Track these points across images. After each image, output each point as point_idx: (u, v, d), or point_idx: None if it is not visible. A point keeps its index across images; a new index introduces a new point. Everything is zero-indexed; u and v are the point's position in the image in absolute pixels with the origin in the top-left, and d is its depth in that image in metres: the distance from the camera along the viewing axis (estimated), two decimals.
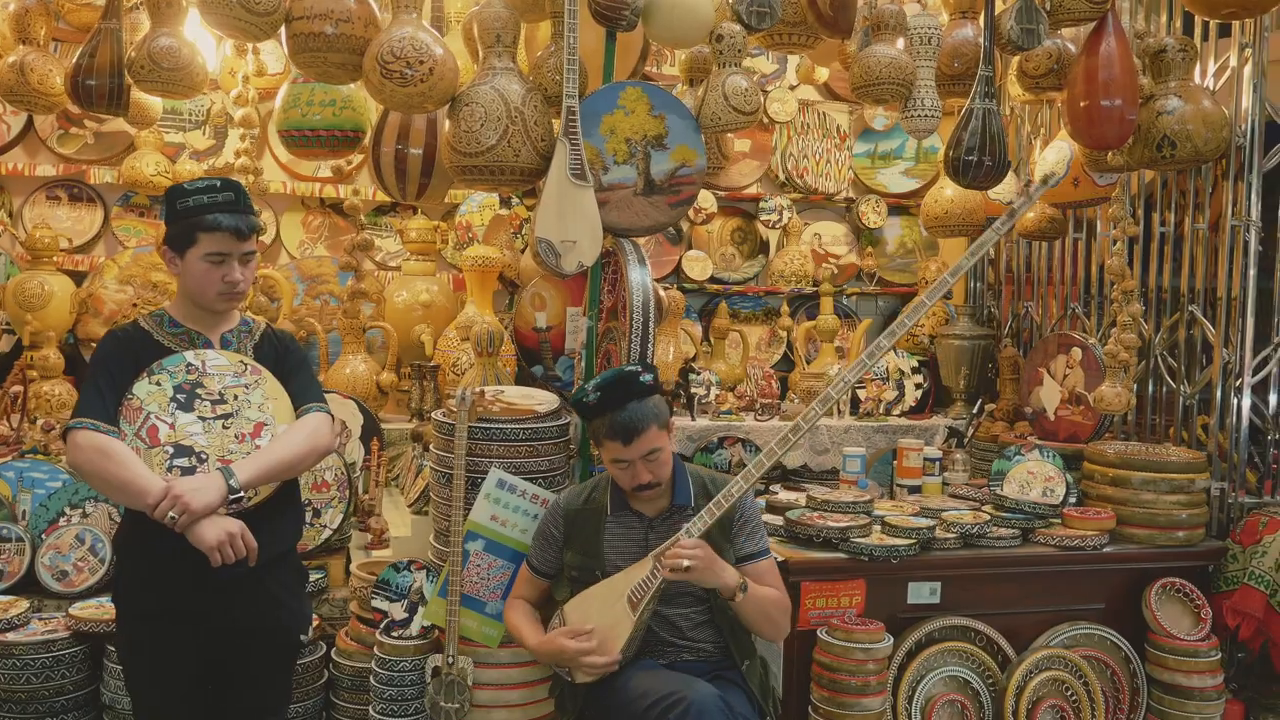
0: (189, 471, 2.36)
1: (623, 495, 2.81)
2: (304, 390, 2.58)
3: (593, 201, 3.15)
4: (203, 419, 2.42)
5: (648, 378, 2.71)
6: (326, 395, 2.70)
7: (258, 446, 2.43)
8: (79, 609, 3.13)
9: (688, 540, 2.60)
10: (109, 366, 2.41)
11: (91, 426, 2.33)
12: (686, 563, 2.55)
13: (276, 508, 2.48)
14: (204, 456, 2.40)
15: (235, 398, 2.47)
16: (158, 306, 4.44)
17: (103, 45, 3.41)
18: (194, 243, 2.42)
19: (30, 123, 4.76)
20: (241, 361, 2.51)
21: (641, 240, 3.48)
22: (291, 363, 2.60)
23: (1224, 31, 3.88)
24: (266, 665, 2.57)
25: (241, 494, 2.34)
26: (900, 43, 3.59)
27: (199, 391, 2.44)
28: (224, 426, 2.44)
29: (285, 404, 2.52)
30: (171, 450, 2.38)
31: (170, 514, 2.26)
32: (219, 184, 2.47)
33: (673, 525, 2.77)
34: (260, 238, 2.46)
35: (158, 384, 2.41)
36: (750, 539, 2.78)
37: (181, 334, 2.50)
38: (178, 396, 2.42)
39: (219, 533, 2.30)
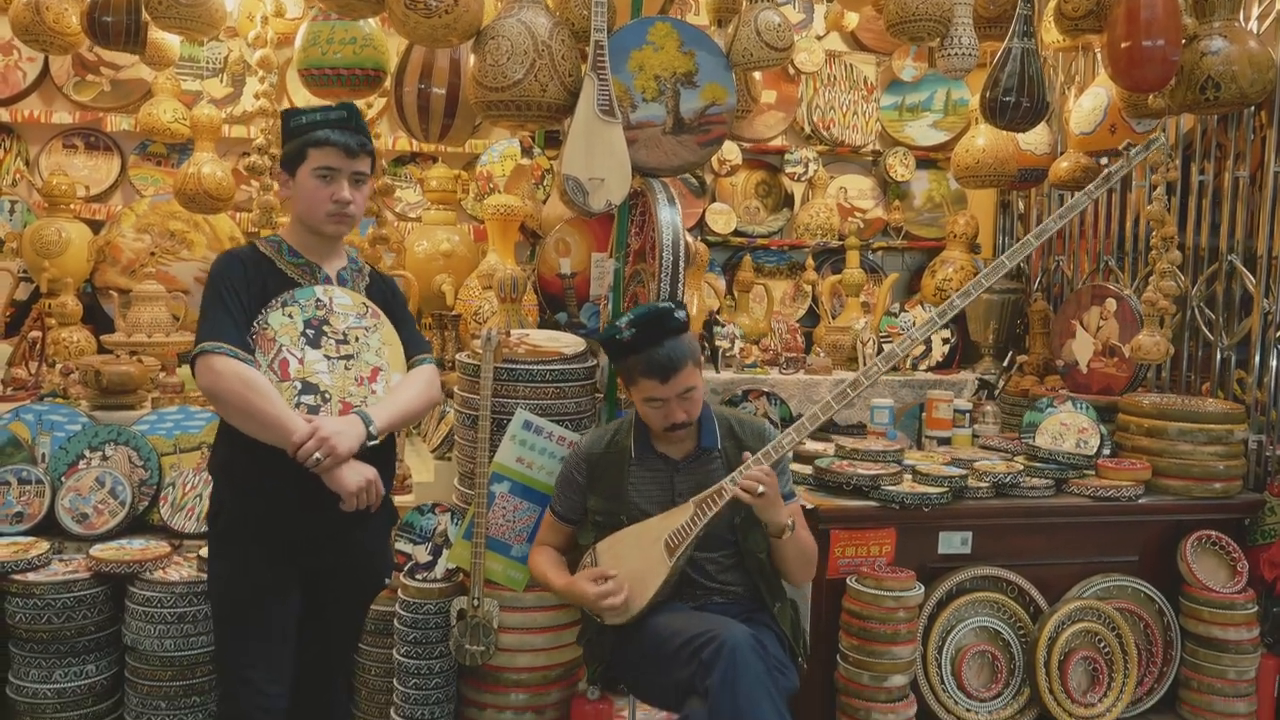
0: (314, 410, 2.31)
1: (648, 438, 2.75)
2: (414, 339, 2.56)
3: (621, 138, 3.08)
4: (328, 358, 2.37)
5: (682, 314, 2.65)
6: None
7: (373, 391, 2.39)
8: (100, 550, 3.10)
9: (762, 467, 2.54)
10: (237, 288, 2.32)
11: (230, 353, 2.24)
12: (761, 488, 2.50)
13: (383, 453, 2.44)
14: (328, 396, 2.34)
15: (357, 339, 2.42)
16: (176, 255, 4.42)
17: None
18: (304, 159, 2.37)
19: (46, 69, 4.70)
20: (364, 303, 2.46)
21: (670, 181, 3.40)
22: (398, 308, 2.57)
23: None
24: (353, 605, 2.59)
25: (376, 440, 2.31)
26: None
27: (325, 329, 2.38)
28: (346, 368, 2.39)
29: (398, 351, 2.48)
30: (300, 386, 2.32)
31: (316, 455, 2.21)
32: (333, 106, 2.44)
33: (699, 468, 2.71)
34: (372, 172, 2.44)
35: (289, 316, 2.34)
36: (782, 480, 2.73)
37: (303, 265, 2.43)
38: (307, 332, 2.36)
39: (359, 478, 2.28)
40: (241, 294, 2.31)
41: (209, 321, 2.29)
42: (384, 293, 2.56)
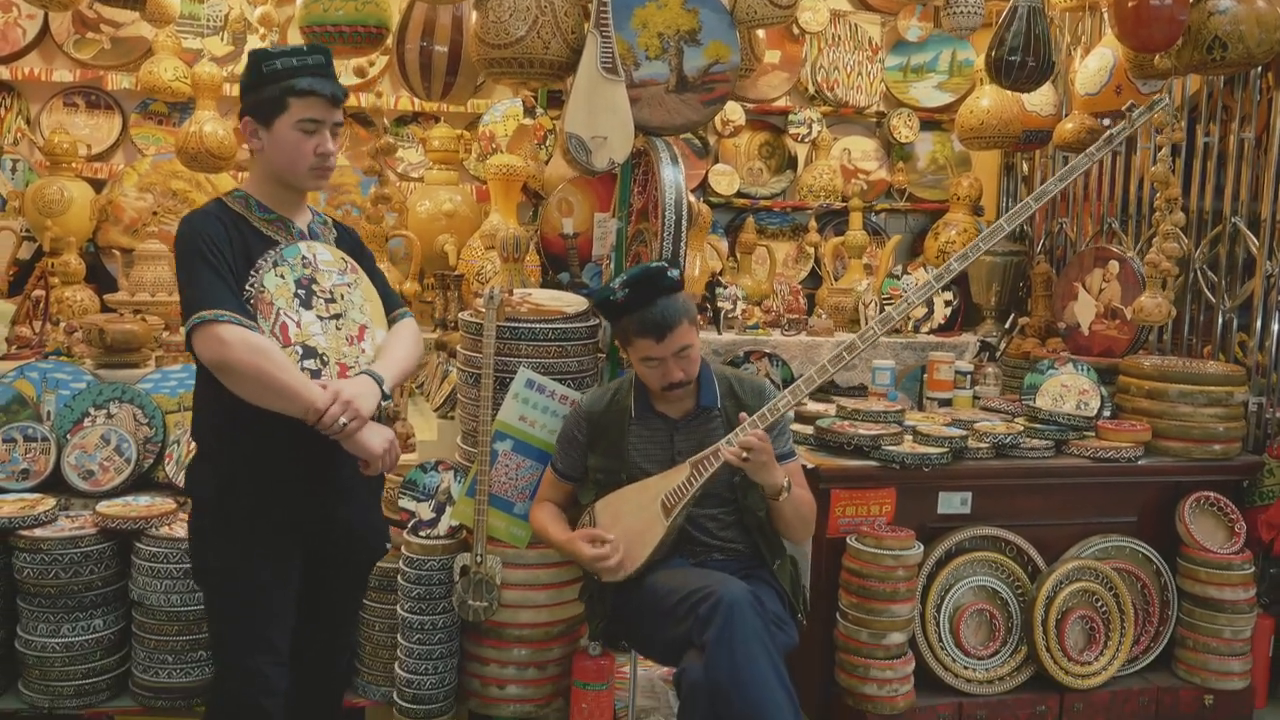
0: (316, 375, 2.21)
1: (647, 398, 2.76)
2: (389, 292, 2.48)
3: (624, 96, 3.06)
4: (320, 319, 2.26)
5: (675, 273, 2.65)
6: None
7: (363, 350, 2.32)
8: (106, 507, 3.12)
9: (757, 430, 2.55)
10: (220, 248, 2.16)
11: (234, 320, 2.09)
12: (748, 454, 2.50)
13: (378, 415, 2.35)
14: (326, 359, 2.25)
15: (342, 297, 2.32)
16: (178, 214, 4.41)
17: None
18: (284, 109, 2.19)
19: (46, 27, 4.66)
20: (343, 258, 2.35)
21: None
22: (367, 260, 2.47)
23: None
24: (354, 579, 2.55)
25: (390, 399, 2.26)
26: None
27: (314, 288, 2.27)
28: (337, 328, 2.29)
29: (379, 306, 2.40)
30: (300, 351, 2.22)
31: (341, 420, 2.13)
32: (306, 48, 2.26)
33: (699, 427, 2.73)
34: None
35: (281, 277, 2.21)
36: (781, 440, 2.74)
37: (276, 220, 2.28)
38: (299, 292, 2.24)
39: (383, 440, 2.23)
40: (225, 254, 2.16)
41: (200, 287, 2.13)
42: (352, 244, 2.46)
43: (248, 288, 2.18)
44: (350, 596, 2.59)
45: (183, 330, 2.17)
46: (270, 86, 2.19)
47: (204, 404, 2.31)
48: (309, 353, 2.23)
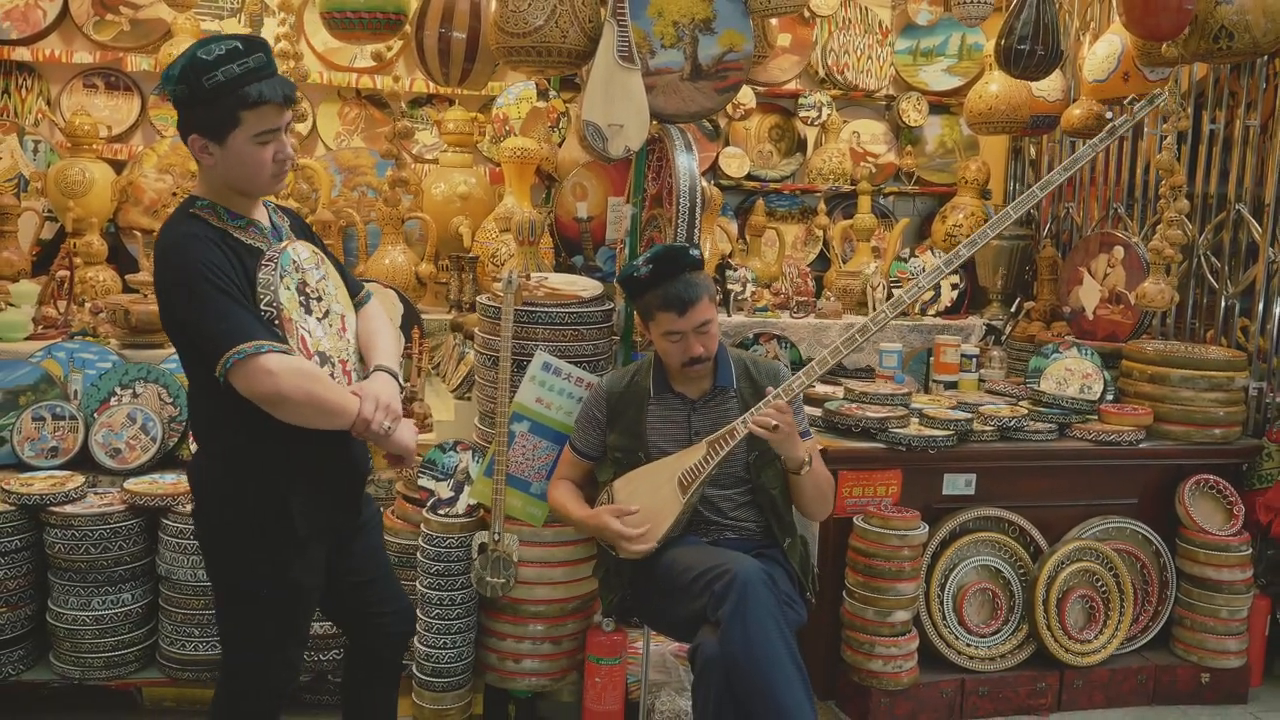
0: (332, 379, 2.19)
1: (665, 378, 2.83)
2: (347, 274, 2.41)
3: (640, 85, 3.12)
4: (319, 320, 2.21)
5: (696, 253, 2.74)
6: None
7: (349, 342, 2.29)
8: (134, 484, 3.21)
9: (779, 403, 2.62)
10: (226, 274, 2.05)
11: (275, 349, 2.02)
12: (774, 423, 2.57)
13: None
14: (334, 361, 2.21)
15: (325, 292, 2.26)
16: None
17: None
18: (237, 124, 2.05)
19: (66, 8, 4.71)
20: (314, 252, 2.28)
21: (685, 129, 3.44)
22: (320, 241, 2.39)
23: None
24: (378, 545, 2.57)
25: (404, 389, 2.26)
26: None
27: (307, 291, 2.19)
28: (329, 326, 2.24)
29: (345, 291, 2.36)
30: (318, 359, 2.16)
31: (386, 424, 2.13)
32: (241, 46, 2.04)
33: (715, 407, 2.80)
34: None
35: (289, 289, 2.13)
36: (798, 418, 2.81)
37: (249, 225, 2.18)
38: (300, 299, 2.16)
39: (414, 435, 2.24)
40: (233, 277, 2.06)
41: (226, 320, 2.02)
42: (304, 228, 2.37)
43: (265, 306, 2.09)
44: (380, 555, 2.57)
45: (219, 369, 2.02)
46: (217, 103, 2.03)
47: (219, 428, 2.21)
48: (323, 359, 2.19)
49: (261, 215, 2.24)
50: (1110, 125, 3.01)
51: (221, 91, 2.01)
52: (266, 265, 2.12)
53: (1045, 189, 2.94)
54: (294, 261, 2.19)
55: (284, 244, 2.19)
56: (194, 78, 2.01)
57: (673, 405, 2.83)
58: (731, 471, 2.76)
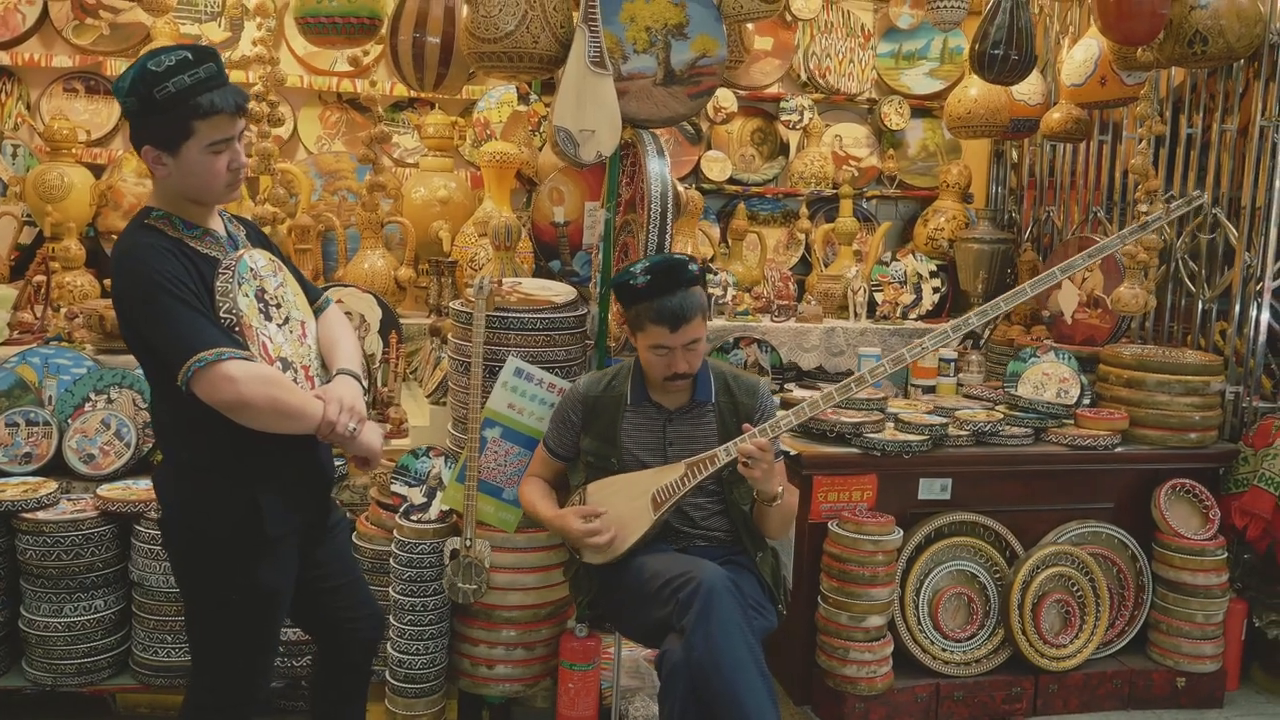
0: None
1: (643, 386, 2.82)
2: (305, 281, 2.43)
3: (611, 90, 3.11)
4: (279, 326, 2.22)
5: (695, 268, 2.72)
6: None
7: (309, 348, 2.30)
8: (107, 490, 3.20)
9: (764, 440, 2.59)
10: (184, 283, 2.06)
11: (237, 356, 2.03)
12: (757, 456, 2.55)
13: None
14: (296, 367, 2.22)
15: (284, 299, 2.27)
16: None
17: None
18: (190, 134, 2.05)
19: (46, 13, 4.71)
20: (271, 259, 2.29)
21: (661, 134, 3.44)
22: (276, 248, 2.40)
23: None
24: (348, 547, 2.59)
25: (368, 392, 2.26)
26: None
27: (266, 298, 2.21)
28: (290, 332, 2.25)
29: (304, 297, 2.38)
30: (279, 365, 2.17)
31: (351, 425, 2.14)
32: (190, 56, 2.05)
33: (692, 420, 2.79)
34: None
35: (247, 295, 2.14)
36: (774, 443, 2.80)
37: (204, 235, 2.18)
38: (259, 306, 2.18)
39: (379, 436, 2.24)
40: (191, 286, 2.07)
41: (185, 327, 2.04)
42: (261, 237, 2.38)
43: (224, 314, 2.10)
44: (349, 559, 2.59)
45: (180, 378, 2.03)
46: (168, 114, 2.04)
47: (190, 439, 2.20)
48: (285, 365, 2.20)
49: (217, 224, 2.24)
50: (1143, 220, 3.04)
51: (173, 102, 2.03)
52: (224, 273, 2.13)
53: (1067, 271, 2.91)
54: (251, 269, 2.19)
55: (240, 252, 2.20)
56: (144, 89, 2.03)
57: (649, 414, 2.82)
58: (704, 483, 2.75)
